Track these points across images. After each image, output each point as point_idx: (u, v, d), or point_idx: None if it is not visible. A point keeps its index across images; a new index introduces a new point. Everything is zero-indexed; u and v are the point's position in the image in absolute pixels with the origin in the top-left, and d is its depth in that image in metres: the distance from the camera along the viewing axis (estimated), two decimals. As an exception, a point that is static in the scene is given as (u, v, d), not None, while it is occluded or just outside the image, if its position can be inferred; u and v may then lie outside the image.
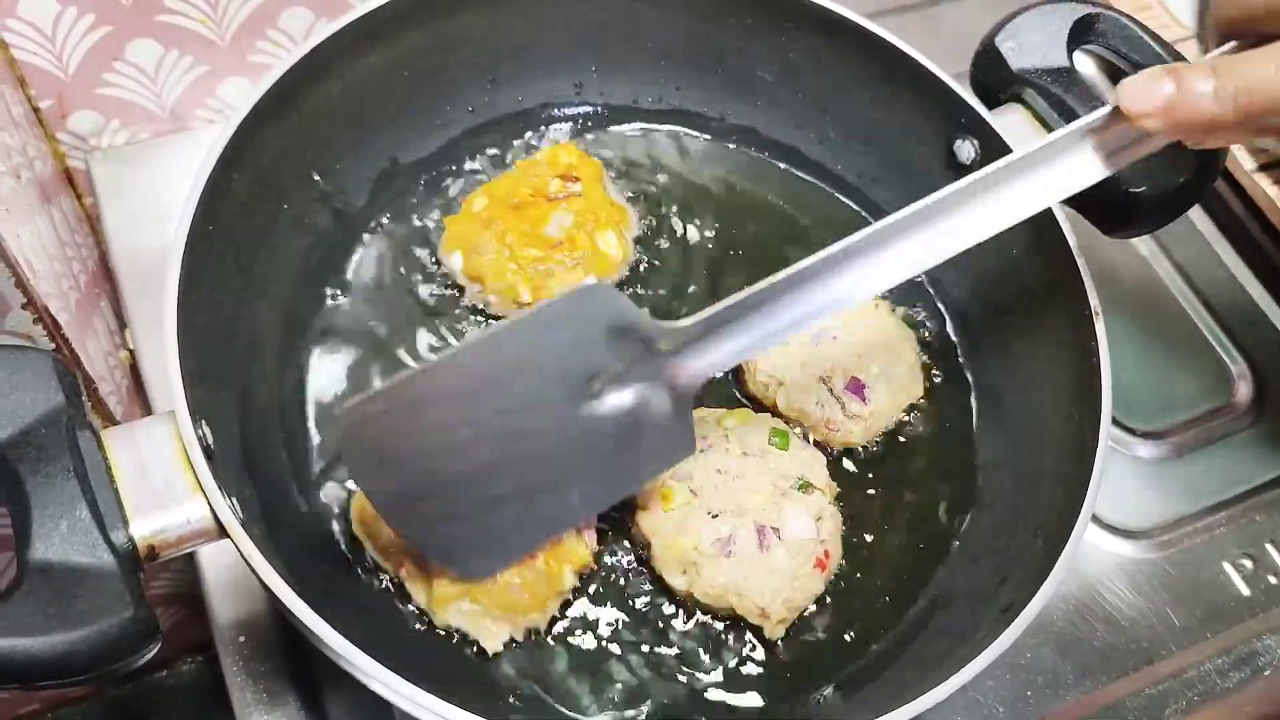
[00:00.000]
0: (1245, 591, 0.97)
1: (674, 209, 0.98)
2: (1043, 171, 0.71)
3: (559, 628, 0.78)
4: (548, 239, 0.89)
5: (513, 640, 0.77)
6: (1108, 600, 0.95)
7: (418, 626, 0.77)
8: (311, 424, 0.84)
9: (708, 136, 1.03)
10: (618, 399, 0.73)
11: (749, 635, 0.80)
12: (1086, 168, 0.71)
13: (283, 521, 0.75)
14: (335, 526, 0.80)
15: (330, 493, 0.81)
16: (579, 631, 0.78)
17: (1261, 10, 0.63)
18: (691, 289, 0.94)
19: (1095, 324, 0.80)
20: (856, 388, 0.85)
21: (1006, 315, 0.91)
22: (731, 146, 1.03)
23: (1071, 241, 0.83)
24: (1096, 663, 0.91)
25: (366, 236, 0.93)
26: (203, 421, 0.67)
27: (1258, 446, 1.06)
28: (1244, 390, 1.09)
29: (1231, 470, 1.04)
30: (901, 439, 0.89)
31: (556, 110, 1.01)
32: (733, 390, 0.90)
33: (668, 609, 0.80)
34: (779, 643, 0.79)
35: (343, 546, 0.79)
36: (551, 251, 0.88)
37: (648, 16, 0.98)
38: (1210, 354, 1.11)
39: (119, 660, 0.58)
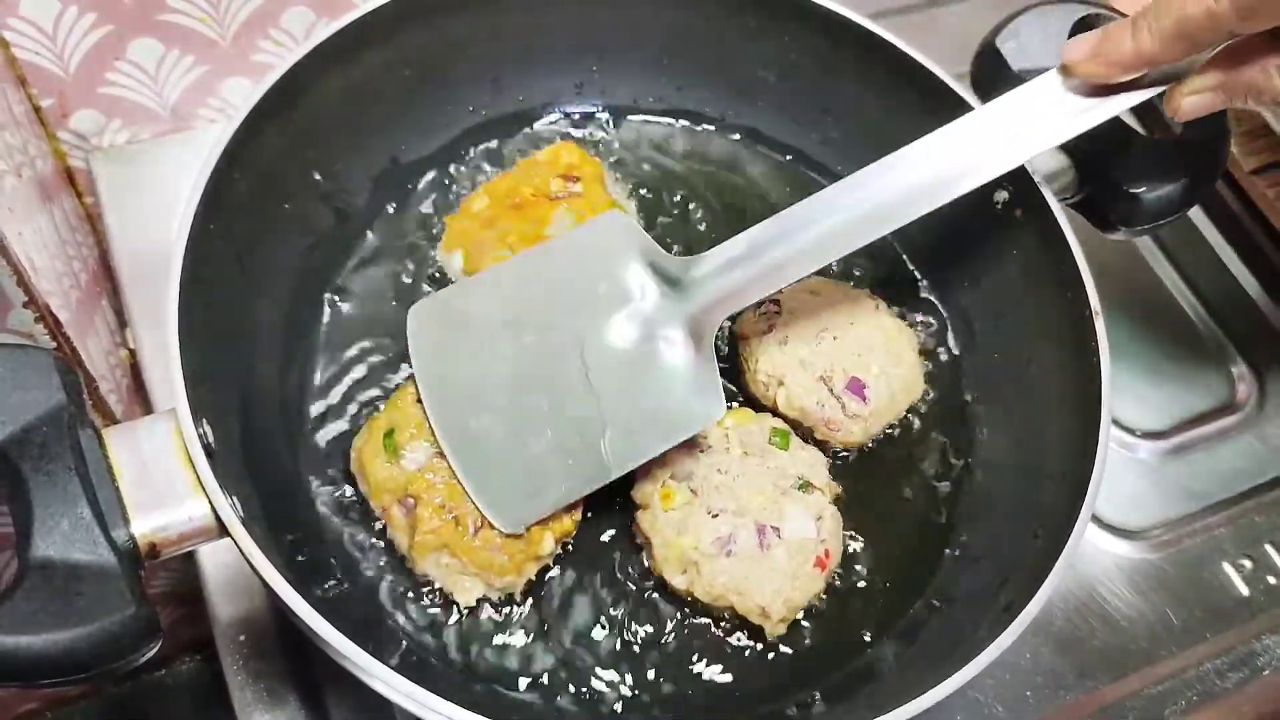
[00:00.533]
0: (1244, 592, 0.97)
1: (675, 208, 0.99)
2: (1009, 129, 0.76)
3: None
4: (549, 238, 0.89)
5: (485, 599, 0.77)
6: (1107, 600, 0.95)
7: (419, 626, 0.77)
8: (312, 422, 0.84)
9: (709, 136, 1.03)
10: (641, 334, 0.78)
11: (749, 634, 0.80)
12: (1050, 126, 0.76)
13: (284, 519, 0.76)
14: (338, 526, 0.80)
15: (330, 491, 0.81)
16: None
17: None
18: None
19: (1095, 324, 0.81)
20: (857, 387, 0.85)
21: (1006, 315, 0.91)
22: (733, 146, 1.03)
23: (1072, 242, 0.83)
24: (1096, 663, 0.91)
25: (368, 235, 0.93)
26: (204, 420, 0.67)
27: (1257, 447, 1.06)
28: (1243, 391, 1.09)
29: (1231, 471, 1.04)
30: (902, 439, 0.89)
31: (558, 110, 1.02)
32: (733, 391, 0.90)
33: (668, 606, 0.80)
34: (779, 641, 0.79)
35: (350, 542, 0.79)
36: (552, 251, 0.88)
37: (649, 17, 0.98)
38: (1210, 354, 1.12)
39: (120, 658, 0.58)
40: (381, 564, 0.79)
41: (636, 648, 0.78)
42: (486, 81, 0.98)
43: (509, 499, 0.76)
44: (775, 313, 0.88)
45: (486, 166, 0.98)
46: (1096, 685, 0.90)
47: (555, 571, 0.80)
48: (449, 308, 0.82)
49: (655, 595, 0.80)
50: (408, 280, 0.92)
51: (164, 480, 0.64)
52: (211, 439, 0.68)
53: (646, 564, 0.81)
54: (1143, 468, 1.03)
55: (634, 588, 0.81)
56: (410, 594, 0.78)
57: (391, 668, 0.61)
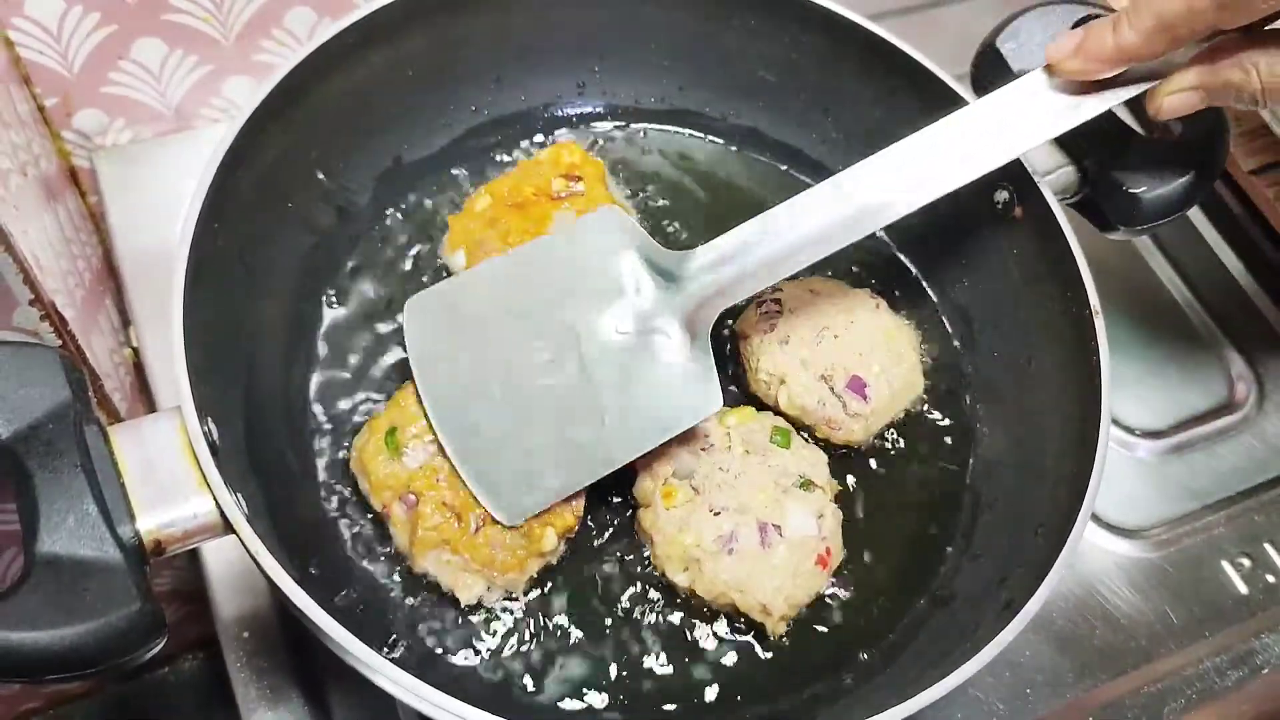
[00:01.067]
0: (1244, 590, 0.97)
1: (676, 208, 0.99)
2: (997, 125, 0.77)
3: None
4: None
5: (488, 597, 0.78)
6: (1107, 599, 0.95)
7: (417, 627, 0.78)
8: (315, 420, 0.84)
9: (710, 136, 1.04)
10: (638, 327, 0.79)
11: (751, 632, 0.80)
12: (1038, 123, 0.77)
13: (287, 517, 0.76)
14: (341, 524, 0.80)
15: (335, 490, 0.82)
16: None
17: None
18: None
19: (1095, 323, 0.81)
20: (858, 386, 0.86)
21: (1006, 314, 0.92)
22: (734, 147, 1.03)
23: (1071, 241, 0.83)
24: (1096, 661, 0.92)
25: (370, 235, 0.93)
26: (208, 418, 0.67)
27: (1256, 446, 1.06)
28: (1242, 390, 1.10)
29: (1230, 470, 1.04)
30: (902, 437, 0.90)
31: (560, 110, 1.02)
32: (734, 389, 0.91)
33: (670, 604, 0.80)
34: (780, 640, 0.80)
35: (353, 540, 0.80)
36: (554, 250, 0.88)
37: (651, 17, 0.98)
38: (1209, 354, 1.12)
39: (126, 654, 0.59)
40: (384, 561, 0.79)
41: (639, 645, 0.79)
42: (489, 81, 0.98)
43: (509, 490, 0.77)
44: (776, 312, 0.89)
45: (488, 166, 0.99)
46: (1096, 683, 0.91)
47: (558, 569, 0.80)
48: (445, 301, 0.82)
49: (657, 593, 0.81)
50: (410, 279, 0.92)
51: (169, 477, 0.64)
52: (216, 436, 0.68)
53: (649, 561, 0.81)
54: (1142, 467, 1.04)
55: (636, 585, 0.81)
56: (412, 592, 0.78)
57: (394, 663, 0.61)
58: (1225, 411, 1.08)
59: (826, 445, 0.87)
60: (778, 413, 0.87)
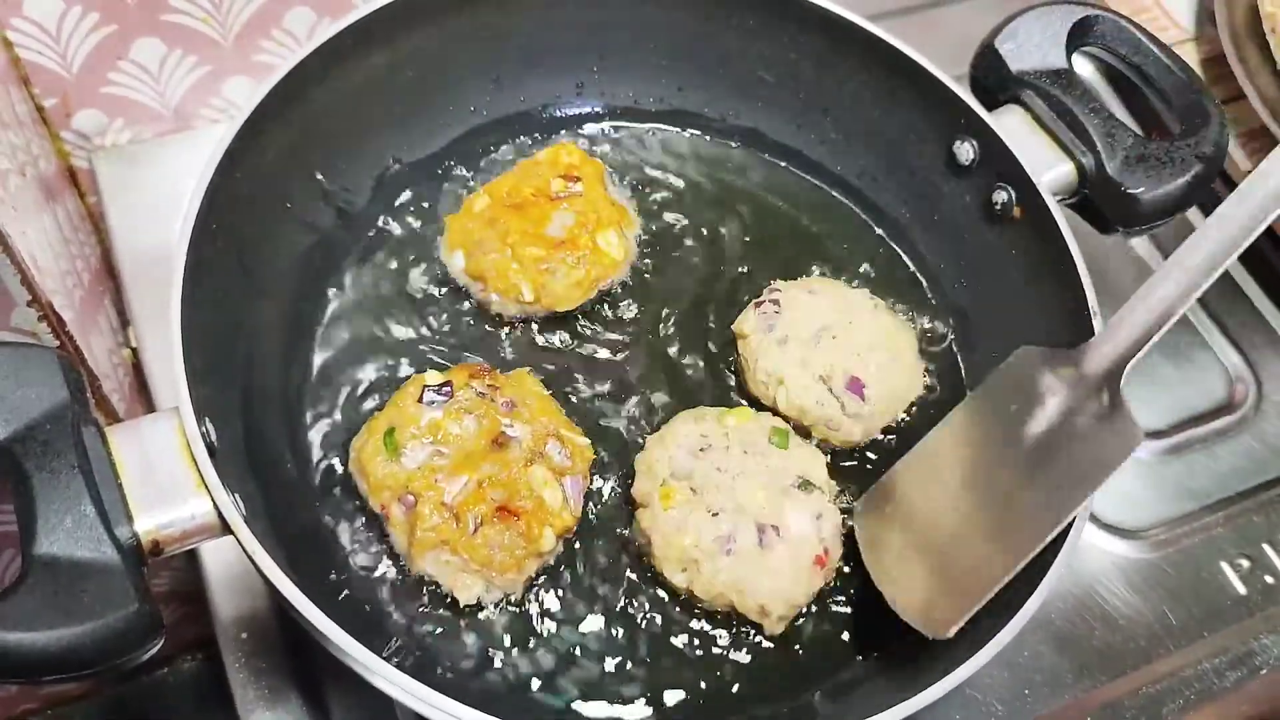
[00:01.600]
0: (1242, 591, 0.97)
1: (675, 208, 0.99)
2: None
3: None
4: (549, 238, 0.89)
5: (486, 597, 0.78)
6: (1106, 599, 0.95)
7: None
8: (313, 421, 0.84)
9: (709, 137, 1.04)
10: (1066, 429, 0.79)
11: (749, 631, 0.80)
12: None
13: (286, 518, 0.76)
14: (339, 525, 0.80)
15: (333, 490, 0.82)
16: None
17: None
18: (693, 287, 0.95)
19: (1094, 324, 0.81)
20: (856, 387, 0.86)
21: (1005, 315, 0.92)
22: (733, 147, 1.03)
23: (1070, 242, 0.83)
24: (1094, 661, 0.92)
25: (369, 235, 0.93)
26: (206, 418, 0.67)
27: (1255, 447, 1.06)
28: (1241, 391, 1.10)
29: (1229, 470, 1.04)
30: (902, 438, 0.90)
31: (558, 110, 1.02)
32: (732, 390, 0.91)
33: (668, 604, 0.80)
34: (779, 640, 0.79)
35: (351, 541, 0.80)
36: (553, 251, 0.89)
37: (650, 18, 0.98)
38: (1208, 354, 1.12)
39: (123, 655, 0.59)
40: (383, 562, 0.79)
41: (638, 646, 0.79)
42: (488, 82, 0.98)
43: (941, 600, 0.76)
44: (775, 312, 0.89)
45: (488, 166, 0.99)
46: (1095, 684, 0.91)
47: (556, 569, 0.80)
48: (891, 488, 0.83)
49: (657, 593, 0.81)
50: (409, 280, 0.92)
51: (167, 478, 0.64)
52: (214, 437, 0.68)
53: (646, 562, 0.81)
54: (1141, 467, 1.04)
55: (635, 586, 0.81)
56: (411, 592, 0.78)
57: (393, 665, 0.61)
58: (1224, 412, 1.08)
59: (825, 446, 0.87)
60: (776, 413, 0.87)
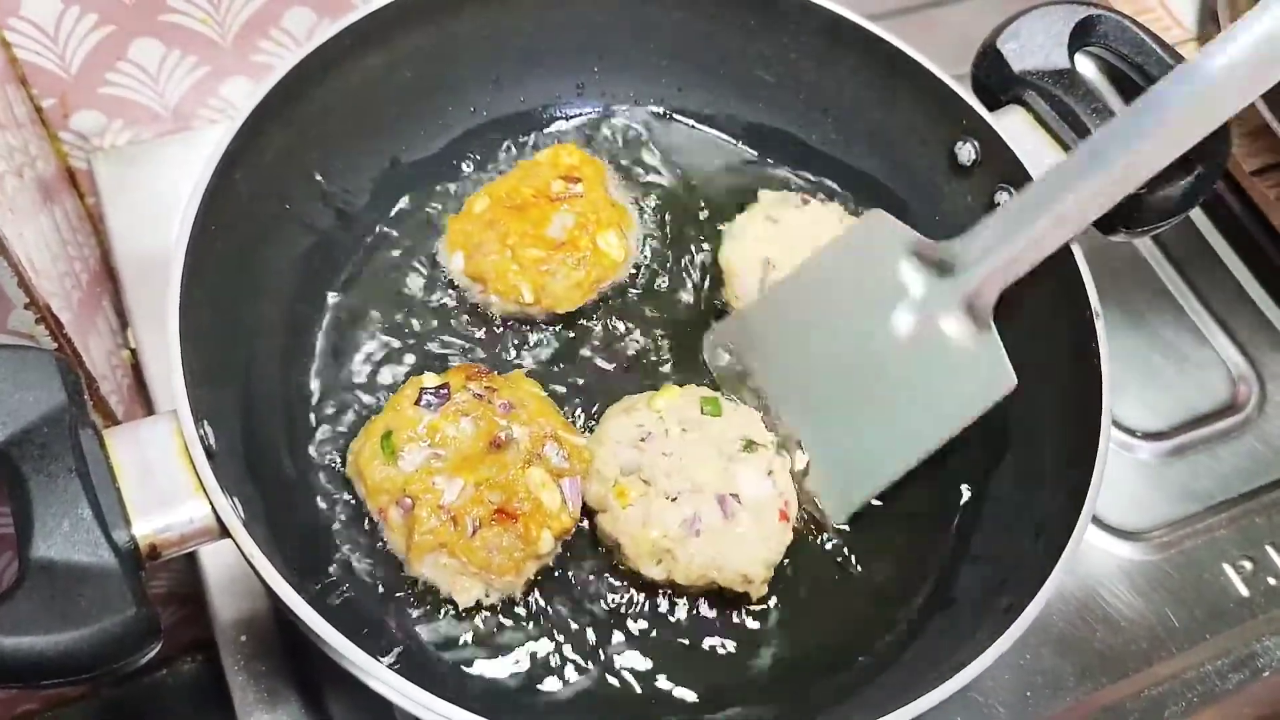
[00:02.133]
0: (1245, 593, 0.97)
1: (675, 208, 0.99)
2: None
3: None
4: (549, 239, 0.89)
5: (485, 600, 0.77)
6: (1108, 601, 0.95)
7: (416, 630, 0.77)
8: (312, 423, 0.84)
9: (708, 136, 1.03)
10: (921, 323, 0.83)
11: (748, 635, 0.80)
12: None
13: (284, 521, 0.75)
14: (337, 528, 0.80)
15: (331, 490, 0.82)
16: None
17: None
18: (693, 288, 0.94)
19: (1096, 325, 0.81)
20: None
21: (1006, 316, 0.91)
22: (733, 147, 1.03)
23: (1072, 243, 0.83)
24: (1096, 664, 0.91)
25: (368, 236, 0.93)
26: (204, 421, 0.67)
27: (1258, 448, 1.06)
28: (1244, 391, 1.09)
29: (1232, 472, 1.04)
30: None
31: (559, 110, 1.02)
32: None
33: (666, 604, 0.80)
34: (779, 639, 0.79)
35: (349, 544, 0.79)
36: (553, 252, 0.88)
37: (650, 18, 0.98)
38: (1211, 355, 1.12)
39: (121, 659, 0.59)
40: (382, 565, 0.79)
41: (637, 646, 0.78)
42: (487, 82, 0.98)
43: (836, 486, 0.84)
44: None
45: (488, 167, 0.98)
46: (1097, 686, 0.90)
47: (555, 571, 0.80)
48: (741, 327, 0.88)
49: (643, 595, 0.80)
50: (408, 281, 0.92)
51: (165, 481, 0.64)
52: (212, 440, 0.68)
53: (622, 567, 0.80)
54: (1143, 469, 1.03)
55: (633, 586, 0.80)
56: (410, 595, 0.78)
57: (391, 668, 0.61)
58: (1227, 413, 1.08)
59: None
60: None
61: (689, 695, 0.77)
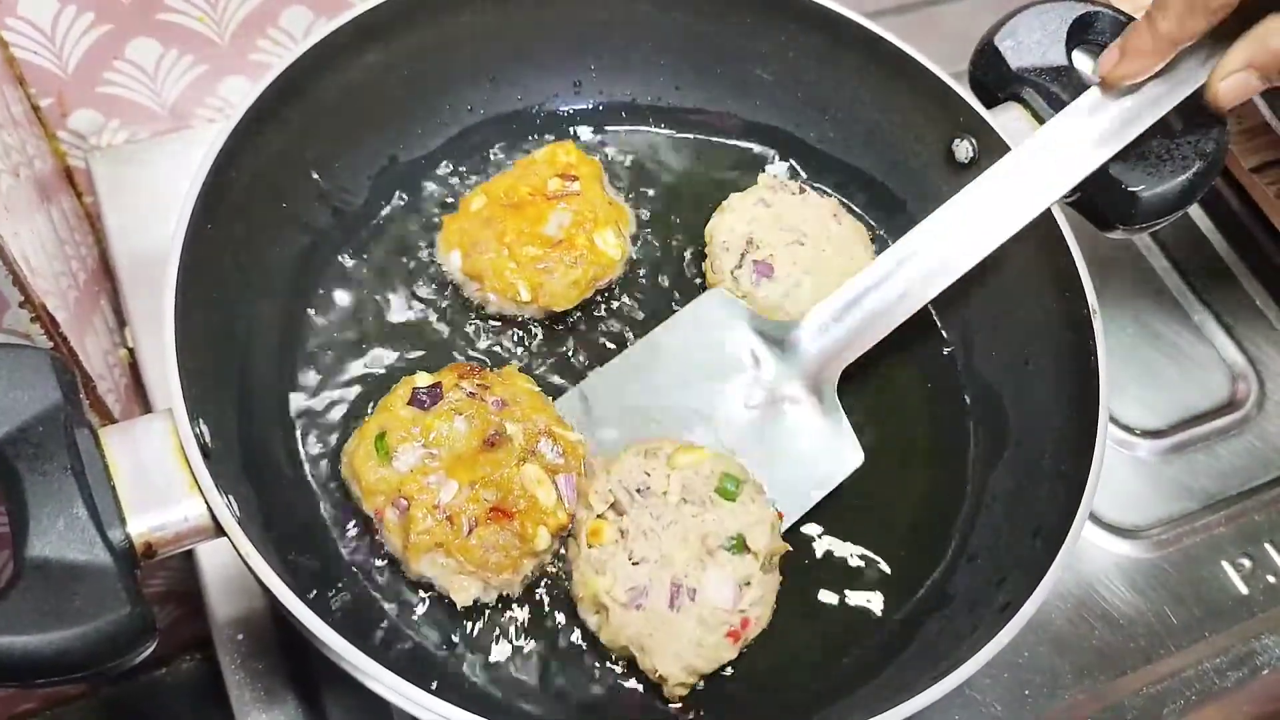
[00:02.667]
0: (1244, 591, 0.97)
1: (673, 207, 0.98)
2: (1059, 155, 0.82)
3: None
4: (546, 238, 0.89)
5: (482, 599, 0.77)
6: (1106, 599, 0.95)
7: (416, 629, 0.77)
8: (308, 422, 0.84)
9: (708, 135, 1.03)
10: (765, 399, 0.84)
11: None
12: (1097, 146, 0.82)
13: (280, 520, 0.75)
14: (334, 527, 0.80)
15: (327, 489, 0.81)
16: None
17: None
18: (690, 287, 0.94)
19: (1094, 323, 0.81)
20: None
21: (1004, 314, 0.91)
22: (731, 145, 1.03)
23: (1070, 241, 0.83)
24: (1095, 662, 0.91)
25: (365, 235, 0.93)
26: (200, 420, 0.67)
27: (1257, 445, 1.06)
28: (1243, 389, 1.09)
29: (1231, 469, 1.04)
30: (899, 438, 0.89)
31: (556, 109, 1.01)
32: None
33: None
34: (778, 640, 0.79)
35: (346, 543, 0.79)
36: (550, 250, 0.88)
37: (648, 16, 0.98)
38: (1209, 353, 1.12)
39: (116, 658, 0.59)
40: (378, 564, 0.79)
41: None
42: (484, 81, 0.98)
43: None
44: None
45: (484, 166, 0.98)
46: (1095, 684, 0.90)
47: (552, 569, 0.80)
48: (584, 401, 0.86)
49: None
50: (405, 279, 0.91)
51: (160, 480, 0.64)
52: (208, 439, 0.68)
53: (564, 594, 0.78)
54: (1142, 466, 1.03)
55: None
56: (407, 595, 0.78)
57: (388, 668, 0.61)
58: (1226, 410, 1.08)
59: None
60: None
61: (690, 694, 0.77)
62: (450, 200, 0.96)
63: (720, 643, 0.74)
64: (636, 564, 0.75)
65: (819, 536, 0.84)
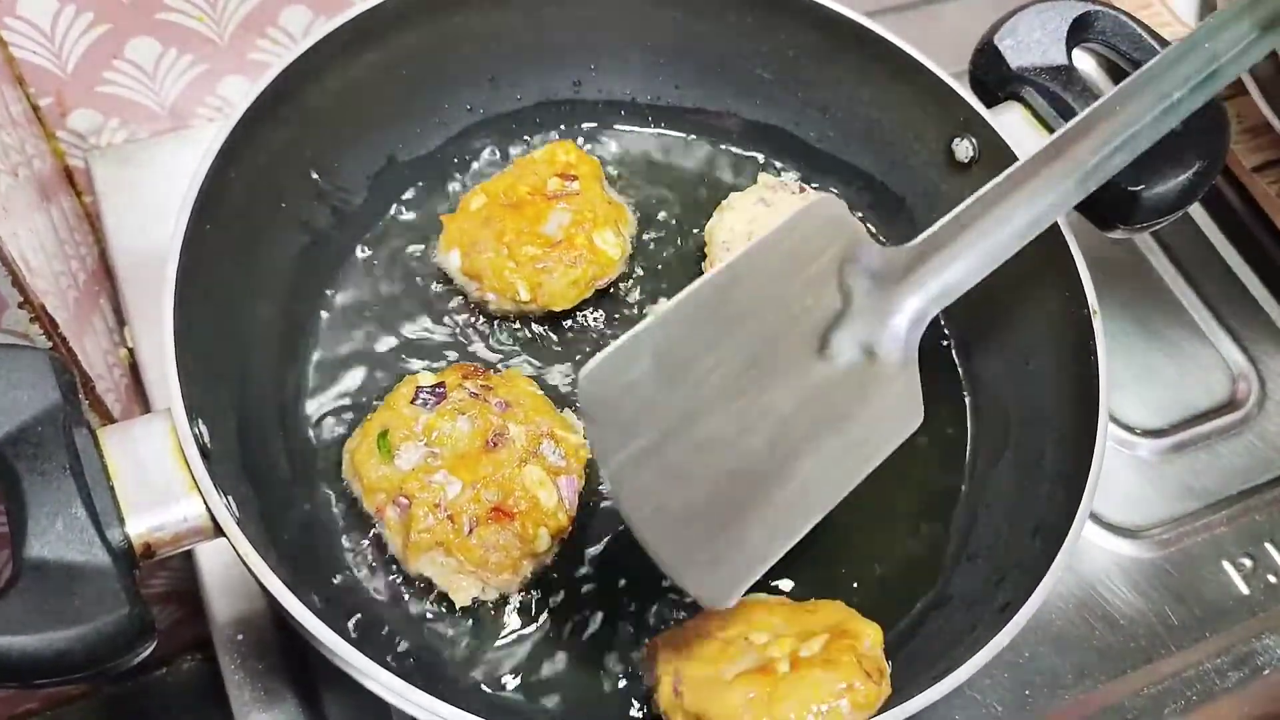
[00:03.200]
0: (1245, 591, 0.97)
1: (673, 207, 0.98)
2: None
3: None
4: (546, 237, 0.89)
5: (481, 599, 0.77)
6: (1107, 599, 0.95)
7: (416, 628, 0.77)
8: (308, 422, 0.84)
9: (707, 135, 1.03)
10: (844, 343, 0.69)
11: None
12: None
13: (280, 520, 0.75)
14: (333, 527, 0.80)
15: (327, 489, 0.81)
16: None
17: None
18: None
19: (1094, 323, 0.80)
20: None
21: (1004, 314, 0.91)
22: (730, 145, 1.03)
23: (1070, 240, 0.83)
24: (1095, 662, 0.91)
25: (364, 235, 0.93)
26: (199, 420, 0.67)
27: (1258, 445, 1.05)
28: (1244, 388, 1.09)
29: (1231, 469, 1.04)
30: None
31: (555, 108, 1.01)
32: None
33: (667, 604, 0.80)
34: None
35: (345, 543, 0.79)
36: (549, 250, 0.88)
37: (647, 15, 0.97)
38: (1210, 352, 1.11)
39: (114, 658, 0.58)
40: (378, 565, 0.79)
41: (639, 645, 0.78)
42: (484, 80, 0.98)
43: (711, 567, 0.64)
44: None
45: (484, 165, 0.98)
46: (1095, 684, 0.90)
47: (551, 570, 0.80)
48: (630, 359, 0.63)
49: (654, 593, 0.80)
50: (405, 279, 0.91)
51: (159, 480, 0.64)
52: (207, 439, 0.68)
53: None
54: (1142, 466, 1.03)
55: (634, 587, 0.80)
56: (406, 595, 0.78)
57: (388, 669, 0.61)
58: (1226, 410, 1.08)
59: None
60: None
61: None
62: (450, 200, 0.96)
63: None
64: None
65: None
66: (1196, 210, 1.20)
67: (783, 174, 1.01)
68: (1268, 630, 0.95)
